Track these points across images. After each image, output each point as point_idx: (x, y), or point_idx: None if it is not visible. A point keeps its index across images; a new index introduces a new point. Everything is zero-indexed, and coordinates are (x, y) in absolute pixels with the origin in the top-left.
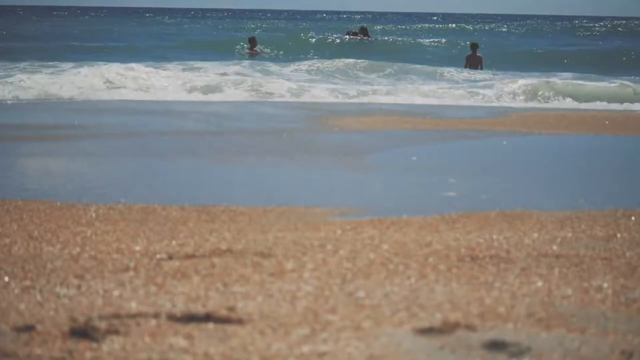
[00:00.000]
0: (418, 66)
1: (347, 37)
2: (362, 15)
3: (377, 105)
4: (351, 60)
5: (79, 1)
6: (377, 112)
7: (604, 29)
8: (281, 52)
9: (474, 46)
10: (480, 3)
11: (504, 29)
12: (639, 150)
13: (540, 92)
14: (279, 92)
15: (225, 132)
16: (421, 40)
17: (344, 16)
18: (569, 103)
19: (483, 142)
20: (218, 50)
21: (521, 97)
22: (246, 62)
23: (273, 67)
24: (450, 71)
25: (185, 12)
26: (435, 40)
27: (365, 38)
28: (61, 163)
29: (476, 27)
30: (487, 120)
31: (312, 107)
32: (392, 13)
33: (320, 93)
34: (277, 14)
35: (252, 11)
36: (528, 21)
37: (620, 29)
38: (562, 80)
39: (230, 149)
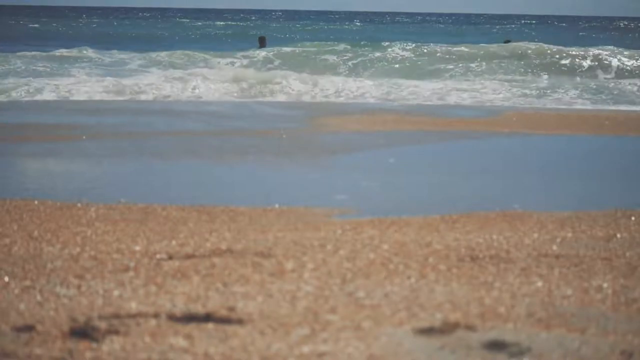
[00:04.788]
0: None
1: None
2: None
3: (376, 105)
4: None
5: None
6: (377, 111)
7: None
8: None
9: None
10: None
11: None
12: (639, 150)
13: None
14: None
15: (225, 132)
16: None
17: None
18: (567, 103)
19: (483, 142)
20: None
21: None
22: None
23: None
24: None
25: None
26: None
27: None
28: (61, 163)
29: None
30: (487, 120)
31: (311, 107)
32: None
33: None
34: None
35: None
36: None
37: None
38: None
39: (230, 149)
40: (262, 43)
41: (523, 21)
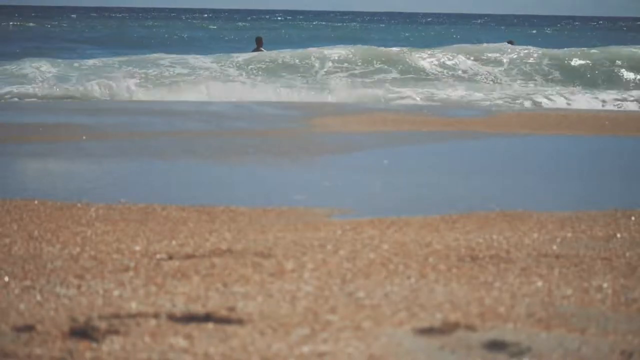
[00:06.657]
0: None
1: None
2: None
3: (375, 105)
4: None
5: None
6: (377, 111)
7: None
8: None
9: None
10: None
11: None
12: (639, 150)
13: None
14: None
15: (225, 132)
16: None
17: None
18: (568, 103)
19: (483, 142)
20: None
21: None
22: None
23: None
24: None
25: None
26: None
27: None
28: (61, 163)
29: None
30: (487, 120)
31: (312, 107)
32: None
33: None
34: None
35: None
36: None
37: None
38: None
39: (230, 149)
40: (258, 44)
41: (536, 21)
